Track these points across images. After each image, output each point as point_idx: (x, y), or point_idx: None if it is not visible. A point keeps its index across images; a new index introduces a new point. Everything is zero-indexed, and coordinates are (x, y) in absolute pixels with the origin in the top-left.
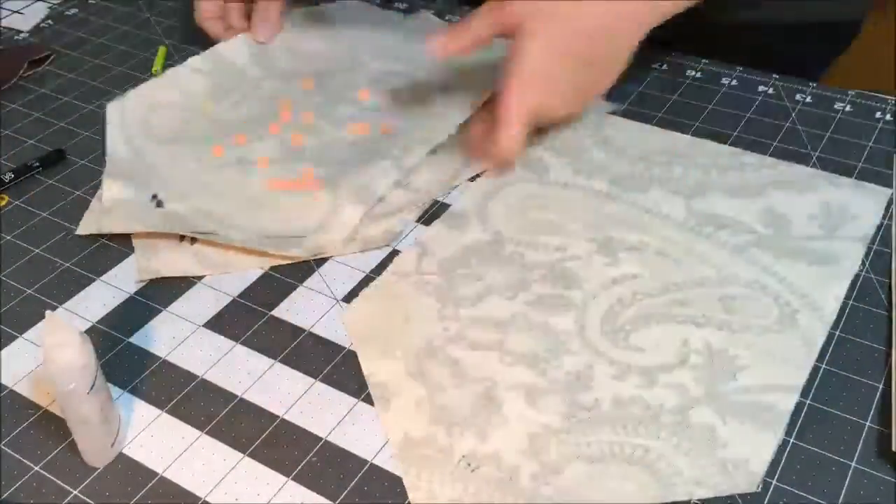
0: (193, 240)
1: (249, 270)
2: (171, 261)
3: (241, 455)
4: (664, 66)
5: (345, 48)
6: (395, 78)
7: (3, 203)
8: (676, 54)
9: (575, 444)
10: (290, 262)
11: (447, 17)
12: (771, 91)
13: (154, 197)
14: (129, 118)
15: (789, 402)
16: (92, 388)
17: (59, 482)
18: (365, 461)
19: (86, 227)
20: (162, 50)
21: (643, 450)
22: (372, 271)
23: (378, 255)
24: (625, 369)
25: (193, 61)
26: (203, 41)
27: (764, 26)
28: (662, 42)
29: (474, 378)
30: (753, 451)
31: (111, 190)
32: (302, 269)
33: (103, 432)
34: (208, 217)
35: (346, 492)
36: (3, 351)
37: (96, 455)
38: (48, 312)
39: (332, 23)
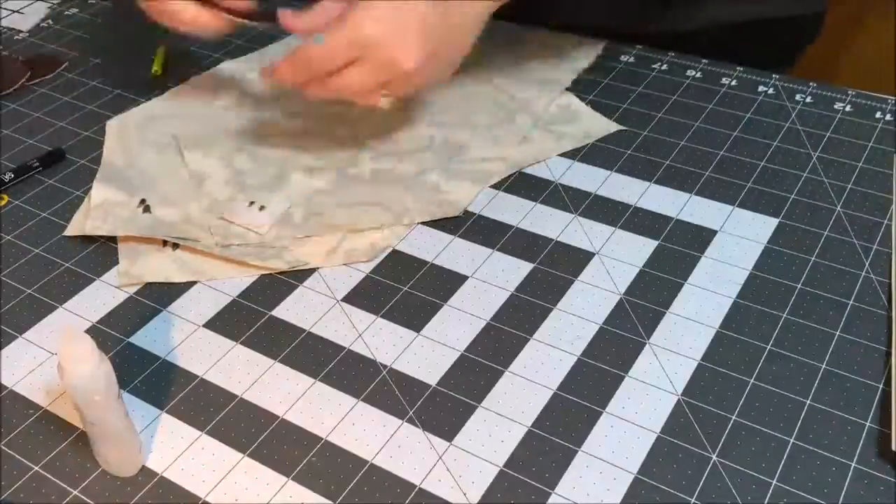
0: (176, 246)
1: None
2: (153, 267)
3: (241, 455)
4: (664, 66)
5: None
6: None
7: (3, 203)
8: (675, 54)
9: (339, 197)
10: None
11: None
12: (771, 91)
13: (142, 202)
14: (128, 123)
15: (502, 168)
16: (118, 396)
17: (59, 482)
18: (365, 461)
19: (73, 228)
20: (161, 50)
21: (388, 199)
22: (372, 271)
23: (379, 255)
24: (383, 153)
25: (193, 81)
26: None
27: (726, 23)
28: (629, 36)
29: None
30: (464, 195)
31: (100, 193)
32: (302, 270)
33: (131, 440)
34: (193, 224)
35: (346, 492)
36: (3, 351)
37: (125, 464)
38: (67, 326)
39: None
